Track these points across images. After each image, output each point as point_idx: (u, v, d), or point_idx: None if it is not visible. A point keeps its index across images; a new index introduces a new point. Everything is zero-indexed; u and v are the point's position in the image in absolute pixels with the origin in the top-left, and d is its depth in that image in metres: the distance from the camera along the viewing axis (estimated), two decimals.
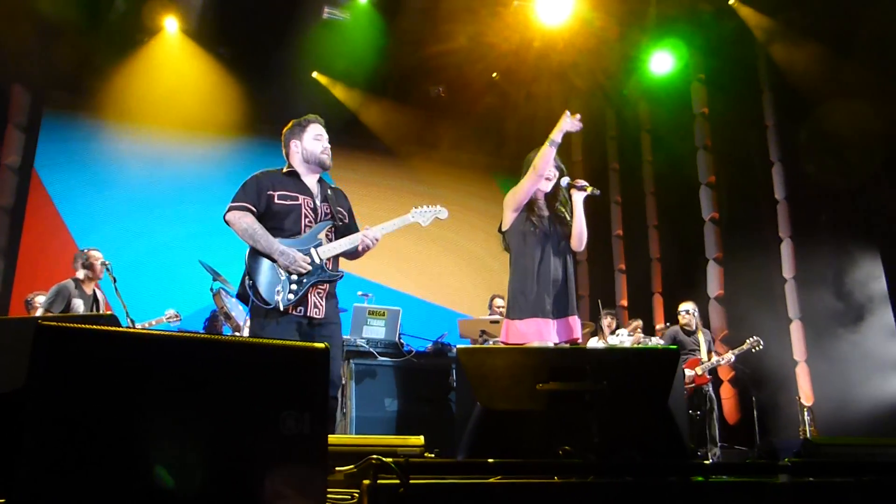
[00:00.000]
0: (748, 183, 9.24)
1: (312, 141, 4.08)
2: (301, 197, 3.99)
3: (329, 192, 4.14)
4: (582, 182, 4.31)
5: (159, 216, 9.53)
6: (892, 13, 6.87)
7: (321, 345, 1.83)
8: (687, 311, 7.73)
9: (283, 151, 4.16)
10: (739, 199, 9.41)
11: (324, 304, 3.90)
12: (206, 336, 1.77)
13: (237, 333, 6.87)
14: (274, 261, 3.78)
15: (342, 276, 4.00)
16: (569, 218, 4.34)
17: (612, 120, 11.30)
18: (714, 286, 9.21)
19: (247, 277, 3.74)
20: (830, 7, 7.73)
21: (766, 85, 8.99)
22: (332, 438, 2.06)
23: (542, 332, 4.05)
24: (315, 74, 10.32)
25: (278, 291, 3.74)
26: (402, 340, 6.18)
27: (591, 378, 2.33)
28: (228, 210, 3.85)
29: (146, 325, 6.75)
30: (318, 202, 4.04)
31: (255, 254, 3.78)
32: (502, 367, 2.43)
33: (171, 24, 9.21)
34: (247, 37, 9.37)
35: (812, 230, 8.28)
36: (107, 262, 6.32)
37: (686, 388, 7.25)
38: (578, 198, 4.28)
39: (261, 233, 3.79)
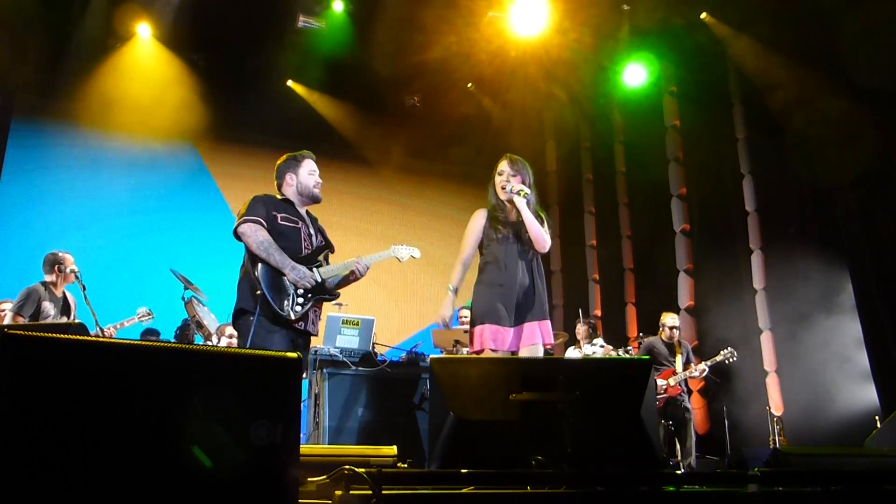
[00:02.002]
0: (719, 195, 9.35)
1: (307, 176, 4.32)
2: (300, 221, 4.23)
3: (317, 223, 4.40)
4: (518, 187, 4.30)
5: (129, 223, 9.41)
6: (860, 28, 7.00)
7: (293, 354, 1.82)
8: (672, 326, 7.62)
9: (276, 182, 4.36)
10: (710, 210, 9.53)
11: (319, 322, 4.20)
12: (176, 345, 1.75)
13: (209, 342, 6.81)
14: (283, 275, 3.97)
15: (339, 295, 4.30)
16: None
17: (587, 131, 11.38)
18: (685, 297, 9.29)
19: (256, 289, 3.91)
20: (799, 22, 7.86)
21: (737, 98, 9.11)
22: (304, 448, 2.04)
23: (498, 339, 4.10)
24: (289, 83, 10.29)
25: (287, 303, 3.96)
26: (375, 350, 6.16)
27: (564, 388, 2.34)
28: (243, 222, 4.00)
29: (118, 326, 6.65)
30: (311, 230, 4.28)
31: (265, 267, 3.95)
32: (475, 376, 2.43)
33: (143, 31, 9.12)
34: (221, 44, 9.32)
35: (782, 242, 8.39)
36: (76, 270, 6.23)
37: (658, 398, 7.30)
38: (520, 203, 4.29)
39: (275, 247, 3.98)
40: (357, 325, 6.14)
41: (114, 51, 9.16)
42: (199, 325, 7.05)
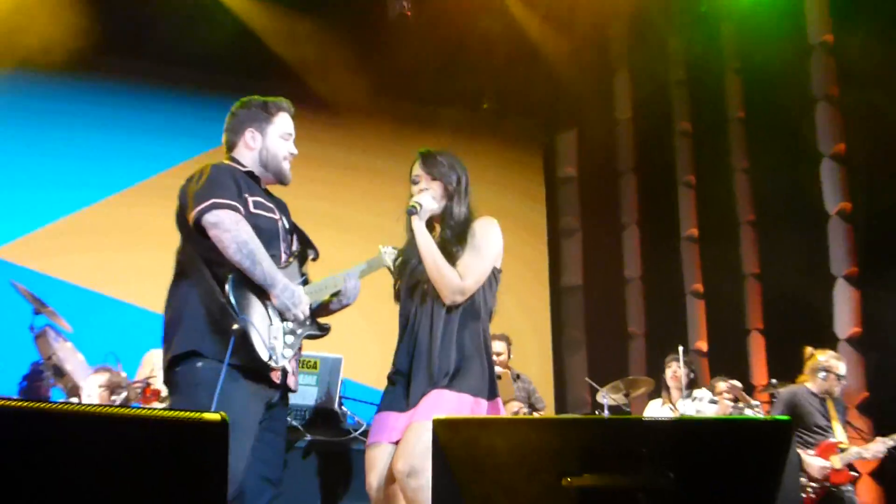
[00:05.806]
0: None
1: (278, 140, 4.14)
2: (276, 211, 4.09)
3: (287, 211, 4.24)
4: (412, 201, 4.23)
5: None
6: None
7: (216, 415, 1.84)
8: (828, 369, 7.46)
9: (226, 136, 4.17)
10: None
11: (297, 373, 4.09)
12: (35, 405, 1.79)
13: (74, 399, 6.79)
14: (266, 298, 3.80)
15: (329, 329, 4.14)
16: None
17: (680, 54, 11.33)
18: (846, 320, 9.17)
19: (227, 318, 3.65)
20: None
21: None
22: None
23: (381, 429, 4.16)
24: None
25: (275, 343, 3.79)
26: (344, 407, 6.19)
27: (649, 467, 2.36)
28: (214, 206, 3.71)
29: None
30: (286, 223, 4.16)
31: (238, 284, 3.73)
32: (506, 448, 2.44)
33: None
34: None
35: None
36: None
37: (813, 488, 7.21)
38: (415, 224, 4.20)
39: (264, 252, 3.77)
40: (315, 367, 6.16)
41: None
42: (59, 372, 6.95)
